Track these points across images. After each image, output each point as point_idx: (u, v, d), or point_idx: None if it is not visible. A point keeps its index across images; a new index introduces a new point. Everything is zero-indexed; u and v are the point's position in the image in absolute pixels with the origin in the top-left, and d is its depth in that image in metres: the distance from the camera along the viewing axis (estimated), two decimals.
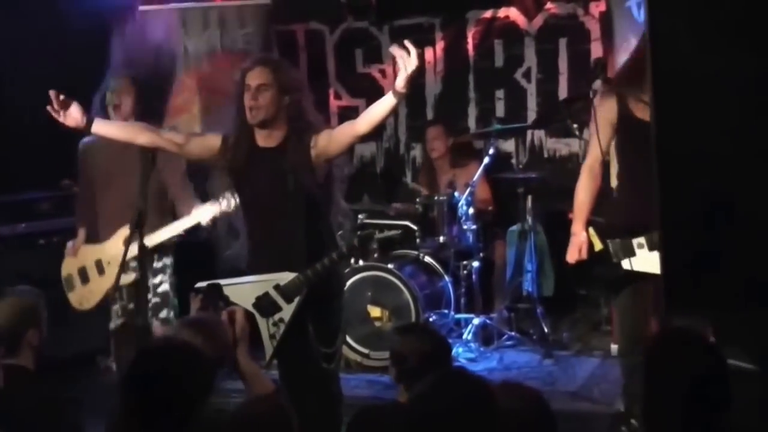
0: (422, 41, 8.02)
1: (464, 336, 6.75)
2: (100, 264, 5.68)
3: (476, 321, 6.77)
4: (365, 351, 6.47)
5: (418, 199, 7.06)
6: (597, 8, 7.49)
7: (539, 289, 7.10)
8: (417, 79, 7.91)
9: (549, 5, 7.71)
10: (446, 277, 6.80)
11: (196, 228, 5.45)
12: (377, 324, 6.49)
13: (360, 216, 6.96)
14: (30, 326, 3.75)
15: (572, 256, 4.76)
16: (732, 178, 3.18)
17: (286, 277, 4.37)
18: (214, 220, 5.26)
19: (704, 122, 3.17)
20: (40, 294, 3.93)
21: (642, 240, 4.56)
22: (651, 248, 4.50)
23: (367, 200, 7.68)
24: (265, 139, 4.41)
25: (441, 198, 6.84)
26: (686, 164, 3.20)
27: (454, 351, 6.49)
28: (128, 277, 5.38)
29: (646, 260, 4.54)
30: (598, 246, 4.73)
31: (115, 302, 5.67)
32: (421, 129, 7.88)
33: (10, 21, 6.70)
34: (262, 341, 4.47)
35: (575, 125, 7.03)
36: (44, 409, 3.54)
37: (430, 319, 6.66)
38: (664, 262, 3.36)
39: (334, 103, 8.38)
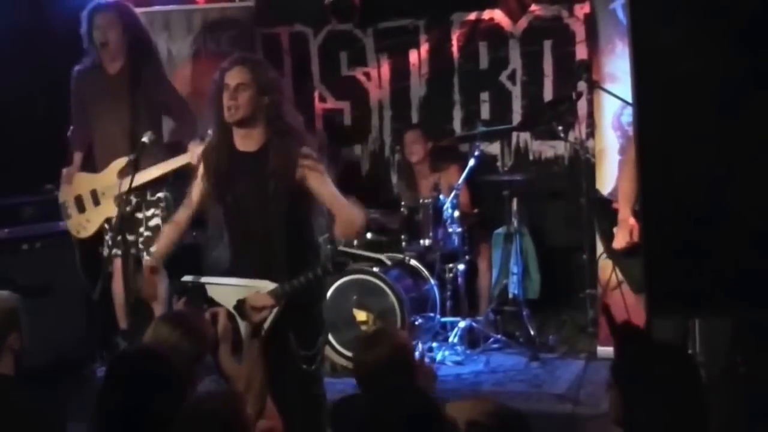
0: (406, 43, 8.05)
1: (450, 339, 6.73)
2: (95, 194, 5.81)
3: (462, 324, 6.76)
4: (351, 355, 6.44)
5: (403, 203, 7.05)
6: (581, 10, 7.47)
7: (525, 292, 7.10)
8: (402, 81, 8.02)
9: (533, 7, 7.69)
10: (432, 281, 6.77)
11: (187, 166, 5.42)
12: (363, 328, 6.45)
13: None
14: (11, 330, 3.71)
15: (621, 241, 4.79)
16: (716, 178, 3.16)
17: (265, 285, 4.32)
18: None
19: (688, 122, 3.15)
20: (20, 299, 3.89)
21: None
22: None
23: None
24: (244, 141, 4.39)
25: (426, 201, 6.81)
26: (669, 164, 3.18)
27: (440, 354, 6.50)
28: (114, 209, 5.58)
29: None
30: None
31: (106, 233, 5.79)
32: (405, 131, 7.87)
33: None
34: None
35: (560, 127, 7.04)
36: (25, 417, 3.50)
37: (416, 323, 6.64)
38: (646, 264, 3.34)
39: (318, 106, 8.36)
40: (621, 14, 6.47)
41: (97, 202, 5.92)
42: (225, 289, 4.40)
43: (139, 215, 5.75)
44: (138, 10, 7.56)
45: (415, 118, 8.11)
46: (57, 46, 6.81)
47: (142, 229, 5.77)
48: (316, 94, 8.35)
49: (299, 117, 4.56)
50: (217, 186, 4.45)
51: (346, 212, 4.33)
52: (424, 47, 8.05)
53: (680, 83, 3.12)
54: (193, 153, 5.36)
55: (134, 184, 5.22)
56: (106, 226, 5.83)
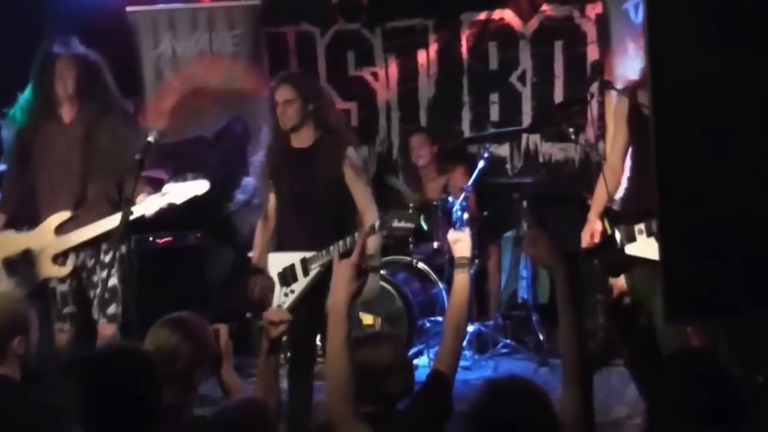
0: (415, 43, 7.99)
1: None
2: (29, 254, 5.27)
3: (471, 328, 6.66)
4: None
5: (411, 204, 6.96)
6: (593, 10, 7.43)
7: (534, 296, 7.01)
8: (410, 82, 7.94)
9: (544, 7, 7.63)
10: (440, 284, 6.70)
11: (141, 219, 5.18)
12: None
13: None
14: (16, 334, 3.63)
15: (585, 241, 5.06)
16: (736, 183, 3.09)
17: (306, 254, 5.03)
18: (161, 212, 5.20)
19: (705, 125, 3.08)
20: (30, 303, 3.80)
21: (642, 226, 4.76)
22: (648, 234, 4.72)
23: None
24: (297, 139, 5.19)
25: (435, 203, 6.74)
26: (687, 168, 3.11)
27: None
28: (64, 270, 5.24)
29: (644, 246, 4.75)
30: (609, 230, 4.97)
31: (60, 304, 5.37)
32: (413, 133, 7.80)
33: None
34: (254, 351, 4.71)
35: (571, 129, 6.94)
36: (29, 422, 3.43)
37: (424, 326, 6.55)
38: (664, 270, 3.27)
39: None
40: (633, 14, 6.41)
41: (32, 263, 5.36)
42: (278, 258, 5.17)
43: (95, 278, 5.28)
44: (142, 8, 7.55)
45: (423, 120, 8.06)
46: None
47: (98, 291, 5.24)
48: None
49: (341, 115, 5.45)
50: (276, 178, 5.24)
51: (374, 215, 5.10)
52: (433, 47, 7.98)
53: (698, 85, 3.05)
54: (146, 206, 5.19)
55: (73, 244, 5.16)
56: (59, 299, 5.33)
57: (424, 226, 5.03)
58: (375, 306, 6.45)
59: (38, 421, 3.46)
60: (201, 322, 3.56)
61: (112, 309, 5.29)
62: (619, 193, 5.12)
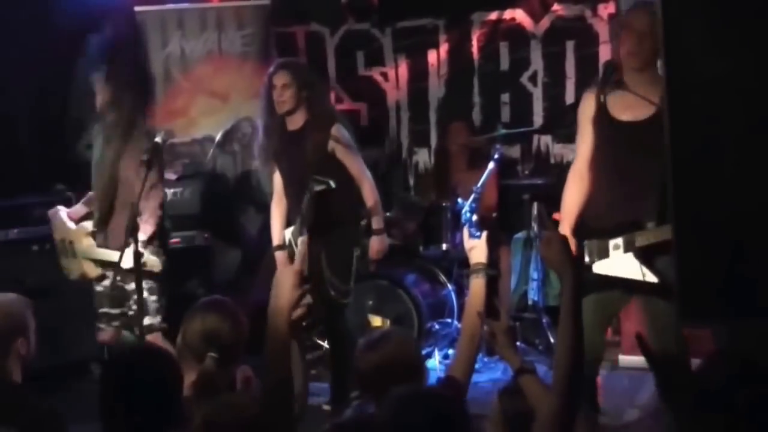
0: (425, 43, 7.96)
1: None
2: (71, 245, 5.55)
3: None
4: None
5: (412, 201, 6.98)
6: (605, 10, 7.38)
7: (545, 299, 6.94)
8: (420, 82, 7.90)
9: (556, 7, 7.59)
10: (449, 286, 6.67)
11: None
12: None
13: None
14: (18, 335, 3.61)
15: None
16: (751, 183, 3.07)
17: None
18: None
19: (721, 126, 3.06)
20: (29, 302, 3.78)
21: (619, 241, 4.39)
22: (626, 250, 4.36)
23: None
24: (291, 122, 5.65)
25: (444, 204, 6.70)
26: (702, 169, 3.09)
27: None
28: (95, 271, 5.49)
29: (618, 263, 4.39)
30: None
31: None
32: (423, 133, 7.87)
33: (1, 28, 6.57)
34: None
35: None
36: (29, 424, 3.40)
37: (433, 329, 6.51)
38: (678, 270, 3.25)
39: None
40: None
41: (72, 254, 5.60)
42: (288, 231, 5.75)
43: (127, 287, 5.35)
44: (151, 8, 7.53)
45: (433, 120, 8.03)
46: (65, 45, 6.73)
47: (130, 303, 5.38)
48: (332, 95, 8.23)
49: (331, 104, 6.06)
50: (275, 157, 5.73)
51: (368, 182, 5.64)
52: (444, 47, 7.95)
53: (714, 86, 3.04)
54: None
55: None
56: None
57: (332, 185, 5.30)
58: (384, 308, 6.43)
59: (38, 424, 3.43)
60: (238, 306, 3.66)
61: (147, 320, 5.25)
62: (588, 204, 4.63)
